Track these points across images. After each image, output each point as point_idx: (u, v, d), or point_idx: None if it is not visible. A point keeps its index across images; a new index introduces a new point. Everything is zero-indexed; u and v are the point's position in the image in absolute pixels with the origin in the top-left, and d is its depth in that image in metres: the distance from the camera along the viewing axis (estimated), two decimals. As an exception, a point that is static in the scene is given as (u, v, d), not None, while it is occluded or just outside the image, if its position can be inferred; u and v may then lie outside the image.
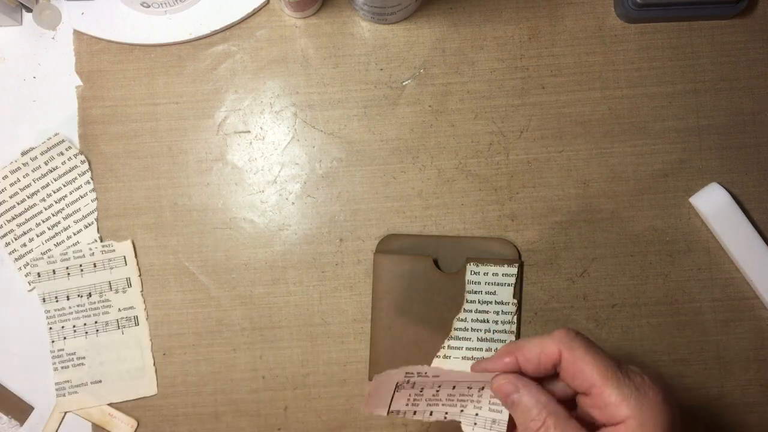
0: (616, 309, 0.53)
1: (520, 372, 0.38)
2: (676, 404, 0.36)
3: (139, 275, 0.54)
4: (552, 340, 0.37)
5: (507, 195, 0.54)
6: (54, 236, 0.53)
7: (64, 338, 0.53)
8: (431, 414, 0.40)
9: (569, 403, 0.38)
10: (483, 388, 0.39)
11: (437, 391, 0.39)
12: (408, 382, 0.39)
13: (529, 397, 0.37)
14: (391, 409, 0.40)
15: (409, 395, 0.40)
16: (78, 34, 0.54)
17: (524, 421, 0.37)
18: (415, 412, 0.40)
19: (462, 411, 0.40)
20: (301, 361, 0.53)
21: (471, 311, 0.52)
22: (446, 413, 0.40)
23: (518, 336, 0.53)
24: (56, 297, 0.53)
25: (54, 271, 0.53)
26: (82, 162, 0.54)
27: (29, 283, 0.53)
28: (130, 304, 0.53)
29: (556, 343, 0.37)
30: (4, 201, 0.53)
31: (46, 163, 0.53)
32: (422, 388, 0.39)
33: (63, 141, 0.53)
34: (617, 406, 0.35)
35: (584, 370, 0.36)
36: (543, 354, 0.37)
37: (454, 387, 0.39)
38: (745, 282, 0.53)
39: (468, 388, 0.39)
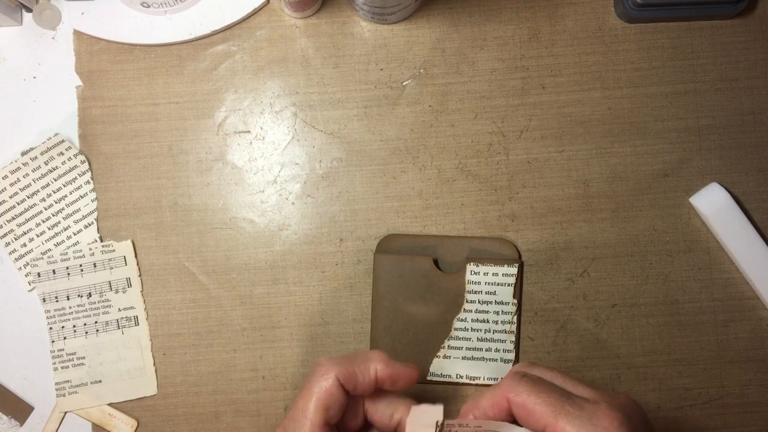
0: (616, 309, 0.53)
1: None
2: (637, 425, 0.36)
3: (139, 275, 0.54)
4: (499, 389, 0.37)
5: (507, 195, 0.54)
6: (54, 236, 0.53)
7: (64, 338, 0.53)
8: None
9: None
10: None
11: None
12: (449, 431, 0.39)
13: None
14: None
15: None
16: (78, 34, 0.54)
17: None
18: None
19: None
20: (301, 361, 0.53)
21: (471, 311, 0.52)
22: None
23: (518, 336, 0.53)
24: (56, 297, 0.53)
25: (54, 271, 0.53)
26: (82, 162, 0.54)
27: (29, 283, 0.53)
28: (130, 304, 0.53)
29: (503, 392, 0.37)
30: (4, 201, 0.53)
31: (46, 163, 0.53)
32: None
33: (63, 141, 0.53)
34: None
35: (534, 411, 0.36)
36: (494, 406, 0.38)
37: None
38: (745, 282, 0.53)
39: None
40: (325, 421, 0.39)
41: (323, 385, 0.39)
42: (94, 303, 0.53)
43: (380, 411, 0.41)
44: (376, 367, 0.40)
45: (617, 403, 0.36)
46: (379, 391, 0.41)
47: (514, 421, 0.38)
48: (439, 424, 0.39)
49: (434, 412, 0.39)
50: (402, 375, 0.41)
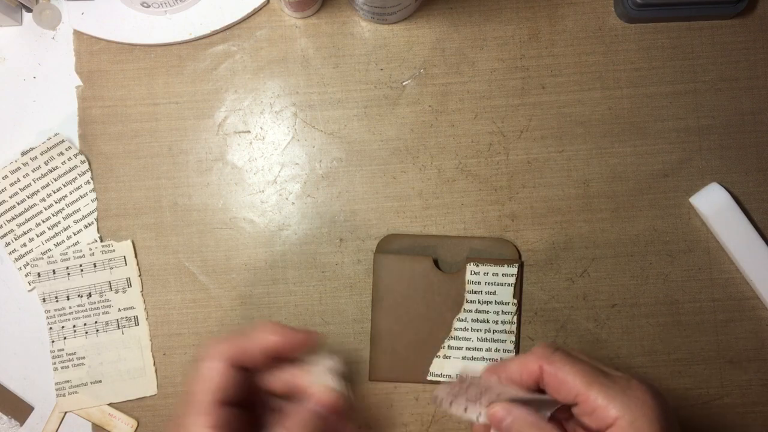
0: (616, 309, 0.53)
1: None
2: (665, 401, 0.36)
3: (139, 275, 0.54)
4: (532, 357, 0.38)
5: (507, 195, 0.54)
6: (54, 236, 0.53)
7: (64, 338, 0.53)
8: (466, 410, 0.41)
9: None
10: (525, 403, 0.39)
11: (481, 393, 0.40)
12: (458, 378, 0.40)
13: (519, 422, 0.37)
14: (435, 393, 0.41)
15: (453, 386, 0.40)
16: (78, 34, 0.54)
17: None
18: (451, 403, 0.41)
19: None
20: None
21: (471, 311, 0.52)
22: (480, 413, 0.40)
23: (518, 336, 0.53)
24: (56, 297, 0.53)
25: (54, 271, 0.53)
26: (82, 162, 0.54)
27: (29, 283, 0.53)
28: (130, 304, 0.53)
29: (536, 359, 0.38)
30: (4, 201, 0.53)
31: (46, 163, 0.53)
32: (468, 386, 0.40)
33: (63, 141, 0.53)
34: (605, 408, 0.35)
35: (566, 380, 0.36)
36: (524, 371, 0.38)
37: (498, 395, 0.39)
38: (745, 282, 0.53)
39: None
40: (219, 401, 0.38)
41: (210, 367, 0.39)
42: (94, 303, 0.53)
43: (277, 378, 0.41)
44: (268, 338, 0.39)
45: (645, 381, 0.36)
46: (277, 359, 0.41)
47: (537, 390, 0.39)
48: (332, 368, 0.39)
49: (325, 361, 0.40)
50: (298, 340, 0.40)
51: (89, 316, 0.53)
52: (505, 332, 0.52)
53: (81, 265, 0.53)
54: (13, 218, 0.53)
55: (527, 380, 0.38)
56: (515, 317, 0.52)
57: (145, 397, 0.53)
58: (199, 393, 0.38)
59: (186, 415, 0.38)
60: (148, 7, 0.53)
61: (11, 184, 0.53)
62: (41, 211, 0.53)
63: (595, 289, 0.53)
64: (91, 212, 0.54)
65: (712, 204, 0.52)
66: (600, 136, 0.54)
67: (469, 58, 0.54)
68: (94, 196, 0.54)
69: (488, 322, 0.52)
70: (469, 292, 0.52)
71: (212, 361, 0.39)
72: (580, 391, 0.36)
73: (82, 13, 0.53)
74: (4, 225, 0.53)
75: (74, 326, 0.53)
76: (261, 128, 0.54)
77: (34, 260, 0.53)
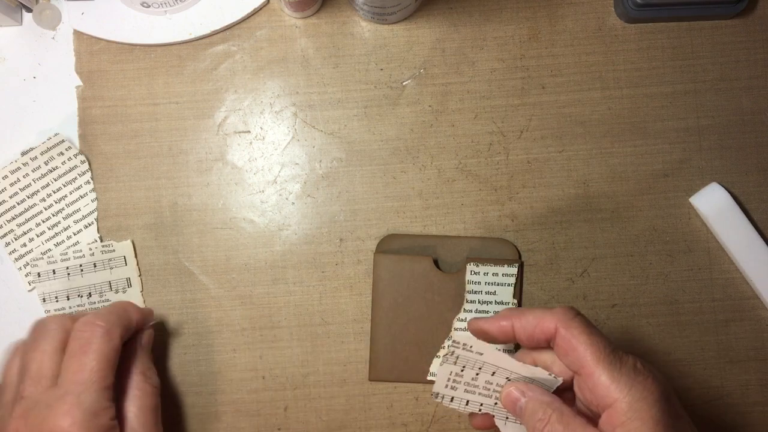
0: (616, 309, 0.53)
1: (513, 338, 0.40)
2: (670, 388, 0.36)
3: (139, 275, 0.54)
4: (551, 316, 0.38)
5: (507, 195, 0.54)
6: (54, 236, 0.53)
7: (64, 338, 0.53)
8: (467, 404, 0.41)
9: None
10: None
11: (477, 374, 0.40)
12: (453, 353, 0.39)
13: (534, 402, 0.38)
14: (434, 390, 0.41)
15: (451, 373, 0.40)
16: (78, 34, 0.54)
17: (532, 423, 0.37)
18: (452, 399, 0.41)
19: (496, 404, 0.41)
20: (301, 361, 0.53)
21: (471, 311, 0.52)
22: (481, 405, 0.41)
23: (518, 336, 0.53)
24: (56, 297, 0.53)
25: (54, 271, 0.53)
26: (82, 162, 0.54)
27: (29, 283, 0.53)
28: (130, 304, 0.53)
29: (554, 320, 0.38)
30: (4, 201, 0.53)
31: (46, 163, 0.53)
32: (463, 367, 0.40)
33: (63, 141, 0.53)
34: (607, 387, 0.35)
35: (578, 349, 0.37)
36: (539, 327, 0.38)
37: (493, 373, 0.40)
38: (745, 282, 0.53)
39: (507, 379, 0.40)
40: (113, 379, 0.42)
41: (111, 346, 0.43)
42: (94, 303, 0.53)
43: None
44: (136, 316, 0.46)
45: (652, 366, 0.37)
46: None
47: (544, 347, 0.39)
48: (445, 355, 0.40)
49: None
50: (147, 317, 0.48)
51: (89, 316, 0.53)
52: (505, 332, 0.52)
53: (81, 265, 0.53)
54: (13, 218, 0.53)
55: (539, 336, 0.38)
56: (515, 317, 0.52)
57: (145, 397, 0.53)
58: (101, 369, 0.41)
59: (88, 390, 0.41)
60: (148, 7, 0.53)
61: (11, 184, 0.53)
62: (41, 211, 0.53)
63: (595, 289, 0.54)
64: (91, 212, 0.54)
65: (712, 204, 0.52)
66: (600, 136, 0.54)
67: (469, 58, 0.54)
68: (94, 196, 0.54)
69: (488, 322, 0.52)
70: (469, 292, 0.52)
71: (112, 339, 0.43)
72: (587, 364, 0.36)
73: (82, 13, 0.53)
74: (4, 225, 0.53)
75: (74, 326, 0.53)
76: (261, 128, 0.54)
77: (34, 260, 0.53)
